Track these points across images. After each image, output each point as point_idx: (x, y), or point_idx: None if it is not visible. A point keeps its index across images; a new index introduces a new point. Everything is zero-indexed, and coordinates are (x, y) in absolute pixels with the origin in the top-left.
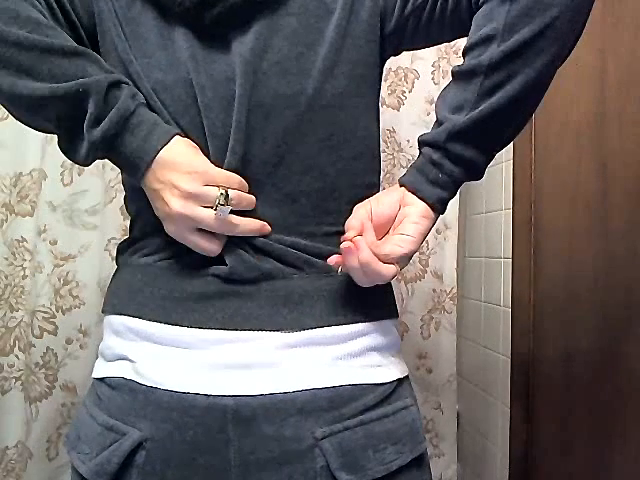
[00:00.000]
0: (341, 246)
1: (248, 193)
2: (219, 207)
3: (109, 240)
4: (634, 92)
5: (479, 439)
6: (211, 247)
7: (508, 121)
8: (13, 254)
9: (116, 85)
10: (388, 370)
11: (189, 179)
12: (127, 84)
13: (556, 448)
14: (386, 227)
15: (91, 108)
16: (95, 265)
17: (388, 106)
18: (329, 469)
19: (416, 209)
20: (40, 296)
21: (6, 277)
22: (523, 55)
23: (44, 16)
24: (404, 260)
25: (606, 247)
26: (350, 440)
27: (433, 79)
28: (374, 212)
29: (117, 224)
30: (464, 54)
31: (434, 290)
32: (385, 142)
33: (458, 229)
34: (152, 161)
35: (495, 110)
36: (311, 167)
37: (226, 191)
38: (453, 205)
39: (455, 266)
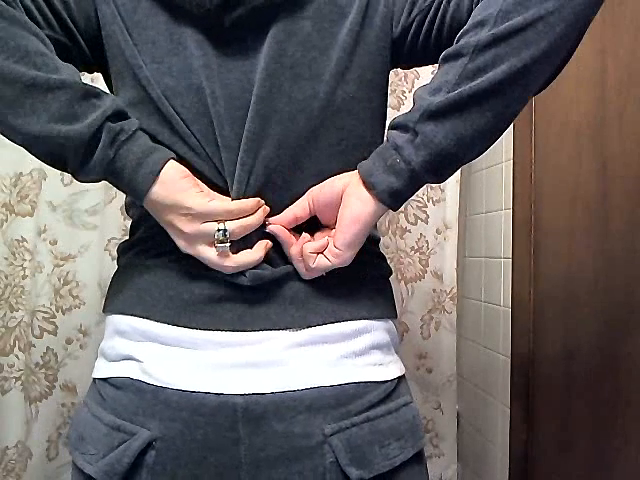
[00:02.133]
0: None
1: (265, 198)
2: (218, 246)
3: (109, 240)
4: (634, 93)
5: (479, 439)
6: (228, 264)
7: (486, 111)
8: (13, 254)
9: (99, 131)
10: (389, 368)
11: (186, 221)
12: (112, 121)
13: (556, 448)
14: (332, 212)
15: (70, 159)
16: (95, 265)
17: (388, 106)
18: (338, 465)
19: (349, 212)
20: (40, 296)
21: (6, 277)
22: (511, 42)
23: (38, 37)
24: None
25: (606, 247)
26: (357, 436)
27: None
28: (315, 201)
29: (117, 224)
30: (457, 41)
31: (434, 290)
32: None
33: (458, 229)
34: (145, 200)
35: (474, 95)
36: (323, 172)
37: (224, 226)
38: (453, 205)
39: (455, 266)
